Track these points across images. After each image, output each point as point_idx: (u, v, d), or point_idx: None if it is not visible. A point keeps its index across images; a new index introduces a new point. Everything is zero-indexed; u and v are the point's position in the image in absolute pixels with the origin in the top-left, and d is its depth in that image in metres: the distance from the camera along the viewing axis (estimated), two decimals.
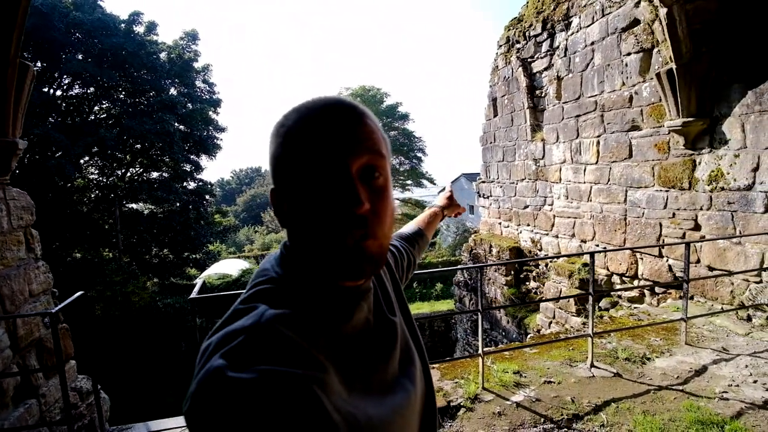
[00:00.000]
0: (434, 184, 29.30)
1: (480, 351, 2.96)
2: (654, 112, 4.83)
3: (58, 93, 18.36)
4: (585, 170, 6.03)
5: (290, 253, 0.67)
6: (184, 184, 21.09)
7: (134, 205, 20.91)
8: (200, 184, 21.49)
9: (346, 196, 0.58)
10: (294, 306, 0.60)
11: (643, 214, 5.09)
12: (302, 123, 0.60)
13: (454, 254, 21.49)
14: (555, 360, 3.36)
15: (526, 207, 7.53)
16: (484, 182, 9.12)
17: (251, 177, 66.49)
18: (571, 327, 4.52)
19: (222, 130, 20.80)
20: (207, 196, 22.84)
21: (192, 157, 20.17)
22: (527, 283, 7.27)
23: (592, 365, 3.20)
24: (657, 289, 4.94)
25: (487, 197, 8.97)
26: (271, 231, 42.09)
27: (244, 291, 0.65)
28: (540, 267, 6.96)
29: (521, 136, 7.54)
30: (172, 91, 19.18)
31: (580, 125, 6.05)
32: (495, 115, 8.45)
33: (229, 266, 22.39)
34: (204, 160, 23.48)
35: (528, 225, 7.50)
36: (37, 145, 15.71)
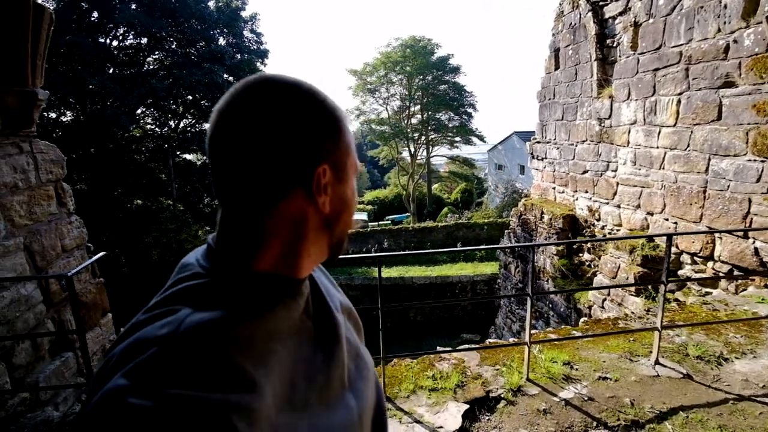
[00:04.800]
0: (484, 141, 28.07)
1: (527, 339, 2.63)
2: (757, 65, 4.03)
3: (114, 43, 18.71)
4: (659, 133, 5.29)
5: (225, 245, 0.58)
6: None
7: (188, 156, 21.56)
8: None
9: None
10: (223, 307, 0.52)
11: (728, 186, 4.40)
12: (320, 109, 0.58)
13: (501, 215, 20.77)
14: (612, 351, 2.97)
15: (585, 172, 6.86)
16: (538, 143, 8.41)
17: None
18: (630, 311, 4.06)
19: None
20: None
21: None
22: (580, 254, 6.74)
23: (656, 362, 2.79)
24: (736, 273, 4.33)
25: (541, 159, 8.29)
26: None
27: (163, 289, 0.57)
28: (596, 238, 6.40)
29: (585, 93, 6.75)
30: (221, 41, 19.06)
31: (658, 81, 5.25)
32: (556, 68, 7.62)
33: None
34: None
35: (586, 192, 6.86)
36: (96, 95, 16.25)
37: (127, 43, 18.87)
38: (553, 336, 3.21)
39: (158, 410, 0.40)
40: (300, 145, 0.55)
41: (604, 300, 5.43)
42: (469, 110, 26.71)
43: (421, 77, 25.86)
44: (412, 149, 27.99)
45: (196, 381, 0.43)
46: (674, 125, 5.05)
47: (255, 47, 19.71)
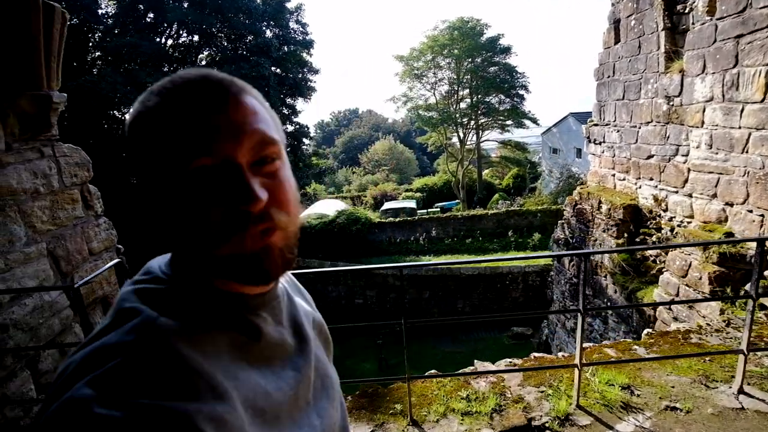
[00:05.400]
0: (537, 124, 26.63)
1: (577, 359, 2.26)
2: None
3: (169, 42, 19.43)
4: (742, 111, 4.55)
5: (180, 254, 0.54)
6: (284, 127, 21.71)
7: None
8: (297, 127, 21.98)
9: (237, 194, 0.48)
10: (186, 315, 0.50)
11: None
12: (164, 112, 0.49)
13: (556, 202, 19.69)
14: (683, 374, 2.52)
15: (651, 157, 6.14)
16: (596, 125, 7.68)
17: (349, 118, 67.33)
18: (705, 322, 3.49)
19: (316, 71, 20.67)
20: (304, 139, 23.40)
21: (288, 100, 20.49)
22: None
23: (740, 390, 2.32)
24: None
25: (599, 143, 7.57)
26: (368, 173, 42.82)
27: (120, 292, 0.54)
28: (663, 231, 5.71)
29: (651, 67, 5.99)
30: (268, 33, 19.26)
31: (742, 49, 4.50)
32: (616, 42, 6.85)
33: (327, 206, 23.21)
34: (300, 103, 23.87)
35: (651, 179, 6.15)
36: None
37: (180, 42, 19.56)
38: (609, 351, 2.79)
39: (127, 421, 0.37)
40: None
41: (673, 300, 4.83)
42: (521, 92, 25.40)
43: (470, 60, 24.86)
44: (461, 134, 27.16)
45: (165, 390, 0.41)
46: (762, 101, 4.31)
47: (300, 38, 19.78)
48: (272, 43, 18.02)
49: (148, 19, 18.34)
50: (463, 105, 26.63)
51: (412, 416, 2.26)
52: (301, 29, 19.88)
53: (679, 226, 5.53)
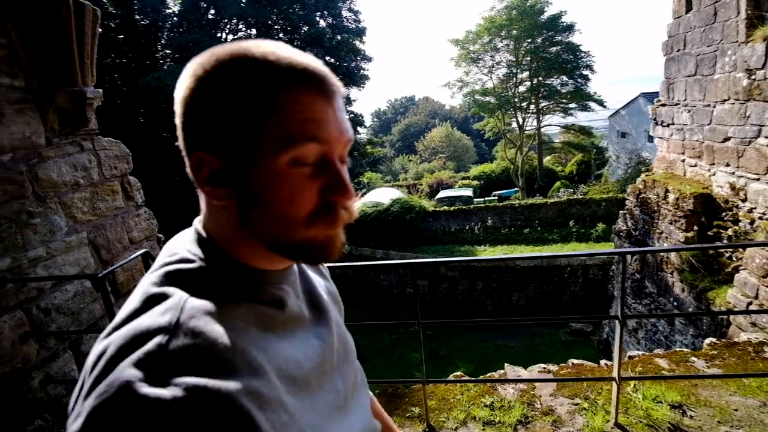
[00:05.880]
0: (604, 106, 24.80)
1: (615, 374, 2.00)
2: None
3: (230, 37, 20.19)
4: None
5: (214, 234, 0.58)
6: None
7: None
8: (351, 116, 22.15)
9: (332, 185, 0.54)
10: (217, 293, 0.52)
11: None
12: (289, 85, 0.51)
13: (624, 190, 18.34)
14: (749, 395, 2.17)
15: (727, 139, 5.44)
16: (663, 105, 6.95)
17: (405, 106, 66.91)
18: None
19: (368, 59, 20.63)
20: (359, 128, 23.55)
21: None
22: (717, 242, 5.43)
23: None
24: None
25: (667, 125, 6.85)
26: (424, 160, 42.50)
27: (147, 273, 0.56)
28: (741, 224, 5.05)
29: (728, 37, 5.27)
30: (321, 23, 19.43)
31: None
32: (688, 10, 6.10)
33: (382, 195, 23.30)
34: (354, 92, 24.00)
35: (727, 165, 5.46)
36: None
37: (239, 36, 20.25)
38: (661, 362, 2.48)
39: (175, 400, 0.39)
40: (188, 124, 0.54)
41: (749, 304, 4.27)
42: (586, 72, 23.74)
43: (530, 40, 23.59)
44: (520, 119, 26.01)
45: (206, 368, 0.42)
46: None
47: (353, 26, 19.78)
48: (325, 33, 18.16)
49: (210, 16, 19.15)
50: (522, 89, 25.44)
51: (429, 421, 2.13)
52: (353, 17, 19.88)
53: (761, 218, 4.88)
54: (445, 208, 20.54)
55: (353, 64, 20.17)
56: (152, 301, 0.49)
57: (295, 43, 18.90)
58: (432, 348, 11.26)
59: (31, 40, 2.52)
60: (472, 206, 20.09)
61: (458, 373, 2.50)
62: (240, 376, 0.44)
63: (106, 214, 3.10)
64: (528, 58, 24.20)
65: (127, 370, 0.41)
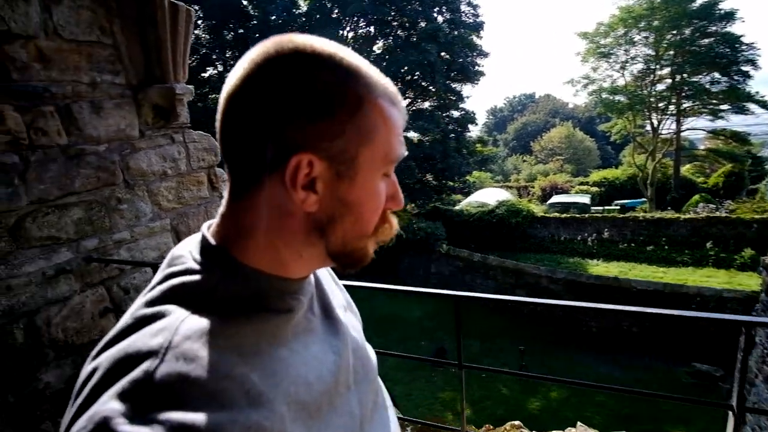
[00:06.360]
0: (766, 109, 20.68)
1: None
2: None
3: (350, 35, 21.02)
4: None
5: (217, 234, 0.55)
6: (449, 113, 21.70)
7: (409, 134, 23.00)
8: (463, 113, 21.69)
9: (394, 196, 0.57)
10: (219, 309, 0.47)
11: None
12: (395, 103, 0.54)
13: None
14: None
15: None
16: None
17: (524, 103, 63.82)
18: None
19: (485, 55, 19.95)
20: (469, 125, 22.98)
21: (454, 86, 20.25)
22: None
23: None
24: None
25: None
26: (540, 162, 40.24)
27: (151, 283, 0.53)
28: None
29: None
30: (439, 18, 19.20)
31: None
32: None
33: (488, 195, 22.59)
34: (469, 88, 23.40)
35: None
36: None
37: (358, 33, 20.97)
38: None
39: None
40: (269, 124, 0.48)
41: None
42: (746, 68, 19.99)
43: (674, 32, 20.55)
44: (655, 121, 22.99)
45: (196, 400, 0.39)
46: None
47: (471, 21, 19.26)
48: (441, 28, 17.91)
49: (334, 15, 20.09)
50: (660, 87, 22.40)
51: None
52: (471, 11, 19.35)
53: None
54: (556, 214, 19.16)
55: (468, 60, 19.63)
56: (149, 318, 0.46)
57: (412, 39, 18.96)
58: (523, 365, 10.52)
59: (133, 41, 2.74)
60: (587, 215, 18.46)
61: (516, 422, 2.16)
62: (235, 409, 0.40)
63: (190, 203, 3.31)
64: (671, 52, 21.21)
65: (108, 403, 0.38)
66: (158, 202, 3.01)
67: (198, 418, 0.37)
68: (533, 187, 27.23)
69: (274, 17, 19.66)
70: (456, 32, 18.57)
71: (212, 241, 0.54)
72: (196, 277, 0.50)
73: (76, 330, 2.46)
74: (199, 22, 21.68)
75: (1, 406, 2.13)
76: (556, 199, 22.16)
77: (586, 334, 12.07)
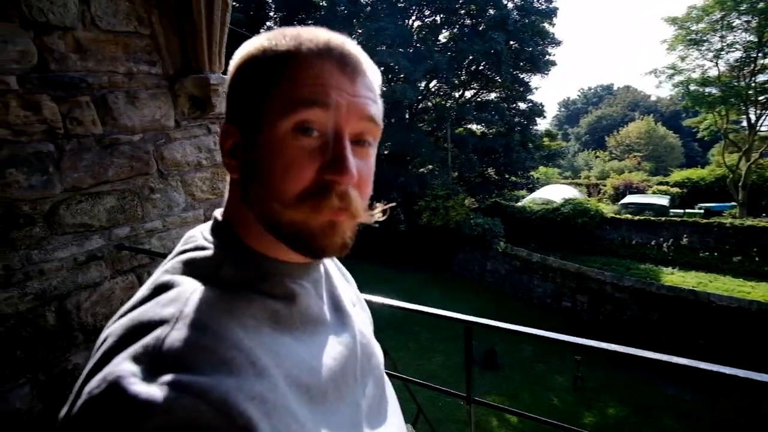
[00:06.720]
0: None
1: None
2: None
3: (416, 24, 20.68)
4: None
5: (229, 221, 0.57)
6: (516, 105, 20.81)
7: (472, 126, 22.37)
8: (530, 105, 20.73)
9: (331, 161, 0.50)
10: (231, 285, 0.50)
11: None
12: (299, 57, 0.50)
13: None
14: None
15: None
16: None
17: (600, 96, 59.87)
18: None
19: (557, 43, 18.80)
20: (537, 118, 21.93)
21: (521, 76, 19.33)
22: None
23: None
24: None
25: None
26: (614, 158, 37.72)
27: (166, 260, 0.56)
28: None
29: None
30: (509, 5, 18.33)
31: None
32: None
33: (554, 192, 21.56)
34: (537, 80, 22.25)
35: None
36: (390, 72, 18.47)
37: (425, 21, 20.56)
38: None
39: (166, 400, 0.37)
40: (227, 101, 0.56)
41: None
42: None
43: None
44: (753, 117, 20.48)
45: (207, 367, 0.40)
46: None
47: (543, 6, 18.17)
48: (510, 15, 17.07)
49: (400, 4, 19.84)
50: (761, 78, 19.88)
51: None
52: None
53: None
54: (629, 216, 17.80)
55: (538, 49, 18.60)
56: (161, 289, 0.49)
57: (480, 28, 18.29)
58: (579, 375, 9.86)
59: (170, 30, 2.75)
60: (664, 218, 16.94)
61: None
62: (242, 377, 0.41)
63: (223, 194, 3.31)
64: None
65: (122, 364, 0.39)
66: (192, 192, 3.03)
67: (207, 381, 0.38)
68: (605, 186, 25.51)
69: (342, 7, 19.79)
70: (526, 19, 17.59)
71: (219, 218, 0.58)
72: (205, 253, 0.53)
73: (105, 315, 2.52)
74: (271, 14, 22.39)
75: (33, 383, 2.21)
76: (629, 199, 20.59)
77: (653, 347, 11.05)
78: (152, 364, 0.39)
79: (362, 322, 0.69)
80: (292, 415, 0.44)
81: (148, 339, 0.41)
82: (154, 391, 0.37)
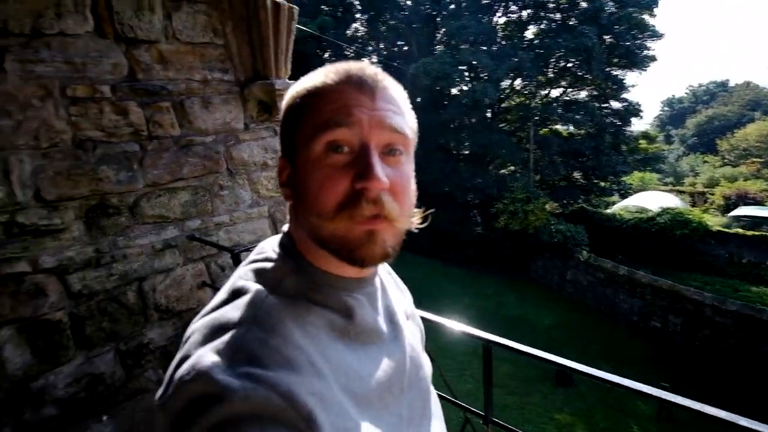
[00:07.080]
0: None
1: None
2: None
3: (502, 20, 20.07)
4: None
5: (291, 233, 0.64)
6: (608, 104, 19.38)
7: (558, 127, 21.21)
8: (625, 104, 19.16)
9: (359, 171, 0.54)
10: (294, 295, 0.56)
11: None
12: (324, 88, 0.57)
13: None
14: None
15: None
16: None
17: (712, 93, 53.47)
18: None
19: (658, 36, 17.13)
20: (632, 119, 20.22)
21: (615, 72, 17.92)
22: None
23: None
24: None
25: None
26: (727, 164, 33.64)
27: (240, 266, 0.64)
28: None
29: None
30: None
31: None
32: None
33: (650, 200, 19.74)
34: (635, 76, 20.54)
35: None
36: (471, 70, 18.11)
37: (510, 18, 19.87)
38: None
39: (242, 387, 0.43)
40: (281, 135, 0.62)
41: None
42: None
43: None
44: None
45: (275, 363, 0.46)
46: None
47: None
48: (603, 8, 15.91)
49: (484, 1, 19.37)
50: None
51: None
52: None
53: None
54: (740, 230, 15.76)
55: (636, 43, 17.11)
56: (237, 294, 0.55)
57: (569, 23, 17.28)
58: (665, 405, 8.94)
59: (241, 40, 2.98)
60: None
61: None
62: (304, 375, 0.47)
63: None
64: None
65: (207, 356, 0.46)
66: (257, 190, 3.26)
67: (275, 376, 0.45)
68: (713, 194, 22.80)
69: (425, 6, 19.80)
70: (623, 11, 16.24)
71: (287, 237, 0.64)
72: (271, 264, 0.59)
73: (176, 298, 2.81)
74: (357, 15, 23.04)
75: (115, 351, 2.52)
76: (743, 210, 18.21)
77: (759, 384, 9.71)
78: (231, 358, 0.46)
79: (413, 335, 0.72)
80: (346, 413, 0.50)
81: (228, 336, 0.48)
82: (234, 381, 0.43)
